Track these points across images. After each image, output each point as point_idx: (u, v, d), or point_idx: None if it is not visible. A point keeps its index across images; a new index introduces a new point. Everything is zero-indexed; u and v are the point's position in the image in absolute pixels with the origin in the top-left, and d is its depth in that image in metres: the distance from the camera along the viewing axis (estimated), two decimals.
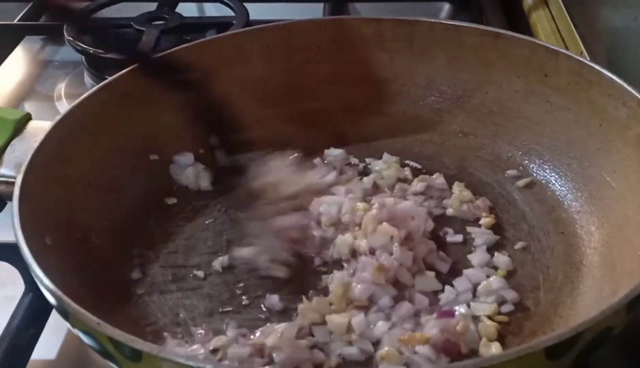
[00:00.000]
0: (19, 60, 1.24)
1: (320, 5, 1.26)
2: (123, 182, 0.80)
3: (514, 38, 0.86)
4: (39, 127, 0.77)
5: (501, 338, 0.65)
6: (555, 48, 0.84)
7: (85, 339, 0.58)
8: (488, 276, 0.71)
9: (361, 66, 0.91)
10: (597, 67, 0.78)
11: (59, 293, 0.57)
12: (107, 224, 0.76)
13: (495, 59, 0.86)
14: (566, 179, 0.80)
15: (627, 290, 0.54)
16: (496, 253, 0.74)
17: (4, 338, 0.71)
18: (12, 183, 0.69)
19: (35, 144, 0.72)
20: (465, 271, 0.71)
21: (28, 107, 1.11)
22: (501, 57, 0.86)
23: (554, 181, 0.81)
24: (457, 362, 0.57)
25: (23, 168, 0.69)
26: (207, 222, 0.81)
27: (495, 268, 0.73)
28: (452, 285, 0.70)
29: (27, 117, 0.79)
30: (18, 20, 1.27)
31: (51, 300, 0.58)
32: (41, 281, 0.58)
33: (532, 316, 0.68)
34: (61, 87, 1.15)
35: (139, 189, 0.81)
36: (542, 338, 0.51)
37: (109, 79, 0.83)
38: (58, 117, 0.76)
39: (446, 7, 1.30)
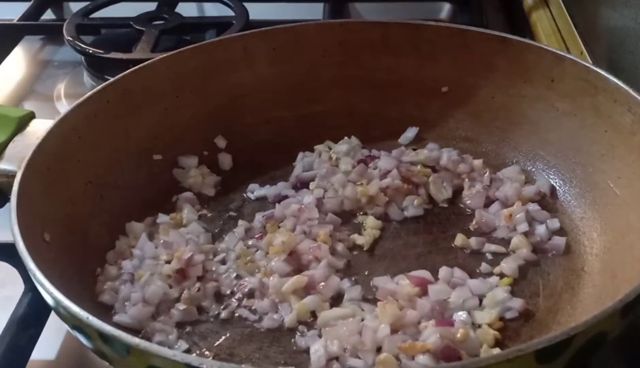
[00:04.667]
0: (19, 60, 1.25)
1: (320, 5, 1.26)
2: (125, 180, 0.80)
3: (521, 43, 0.85)
4: (42, 125, 0.77)
5: (499, 344, 0.64)
6: (562, 54, 0.83)
7: (77, 335, 0.58)
8: (492, 286, 0.70)
9: (367, 69, 0.91)
10: (603, 73, 0.77)
11: (51, 287, 0.57)
12: (107, 222, 0.77)
13: (502, 64, 0.86)
14: (570, 185, 0.80)
15: (621, 295, 0.53)
16: (503, 260, 0.73)
17: (4, 338, 0.71)
18: (14, 178, 0.69)
19: (38, 141, 0.72)
20: (469, 281, 0.70)
21: (28, 107, 1.11)
22: (508, 62, 0.85)
23: (558, 187, 0.81)
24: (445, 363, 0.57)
25: (23, 164, 0.69)
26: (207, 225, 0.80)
27: (501, 275, 0.72)
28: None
29: (31, 115, 0.80)
30: (17, 20, 1.27)
31: (43, 294, 0.58)
32: (34, 275, 0.58)
33: (531, 322, 0.67)
34: (61, 87, 1.15)
35: (140, 189, 0.81)
36: (532, 341, 0.50)
37: (114, 78, 0.83)
38: (61, 115, 0.76)
39: (446, 7, 1.29)
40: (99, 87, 0.82)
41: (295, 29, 0.92)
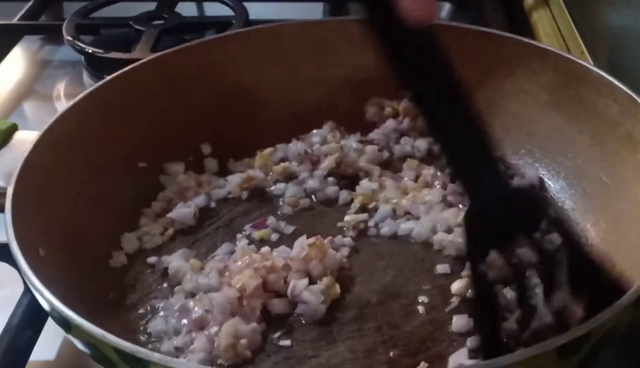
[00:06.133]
0: (18, 60, 1.23)
1: (320, 5, 1.26)
2: (116, 189, 0.79)
3: (501, 37, 0.86)
4: (26, 137, 0.76)
5: None
6: (544, 46, 0.84)
7: (85, 349, 0.57)
8: None
9: (350, 68, 0.91)
10: (585, 64, 0.78)
11: (61, 306, 0.56)
12: (101, 231, 0.76)
13: (483, 58, 0.85)
14: (559, 177, 0.81)
15: (635, 286, 0.54)
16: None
17: (3, 339, 0.70)
18: (3, 194, 0.67)
19: (25, 154, 0.71)
20: None
21: (27, 107, 1.11)
22: (489, 56, 0.85)
23: (546, 180, 0.81)
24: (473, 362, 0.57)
25: (13, 179, 0.68)
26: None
27: None
28: None
29: (14, 128, 0.79)
30: (17, 20, 1.25)
31: (47, 308, 0.58)
32: (41, 294, 0.57)
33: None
34: (60, 87, 1.14)
35: (130, 196, 0.80)
36: (554, 338, 0.50)
37: (95, 86, 0.82)
38: (45, 127, 0.75)
39: (446, 6, 1.29)
40: (80, 96, 0.80)
41: (274, 29, 0.92)
